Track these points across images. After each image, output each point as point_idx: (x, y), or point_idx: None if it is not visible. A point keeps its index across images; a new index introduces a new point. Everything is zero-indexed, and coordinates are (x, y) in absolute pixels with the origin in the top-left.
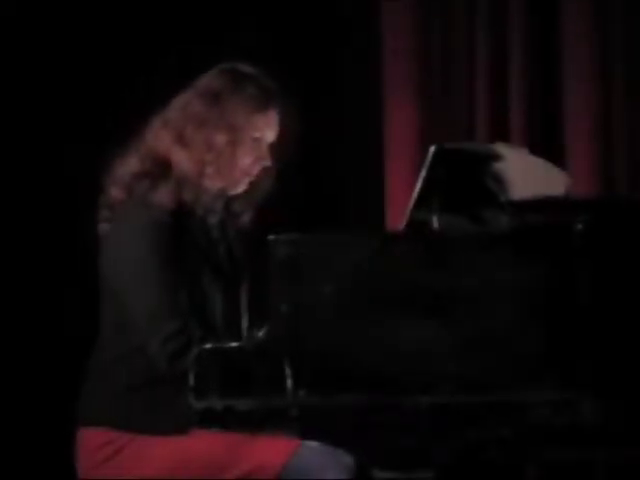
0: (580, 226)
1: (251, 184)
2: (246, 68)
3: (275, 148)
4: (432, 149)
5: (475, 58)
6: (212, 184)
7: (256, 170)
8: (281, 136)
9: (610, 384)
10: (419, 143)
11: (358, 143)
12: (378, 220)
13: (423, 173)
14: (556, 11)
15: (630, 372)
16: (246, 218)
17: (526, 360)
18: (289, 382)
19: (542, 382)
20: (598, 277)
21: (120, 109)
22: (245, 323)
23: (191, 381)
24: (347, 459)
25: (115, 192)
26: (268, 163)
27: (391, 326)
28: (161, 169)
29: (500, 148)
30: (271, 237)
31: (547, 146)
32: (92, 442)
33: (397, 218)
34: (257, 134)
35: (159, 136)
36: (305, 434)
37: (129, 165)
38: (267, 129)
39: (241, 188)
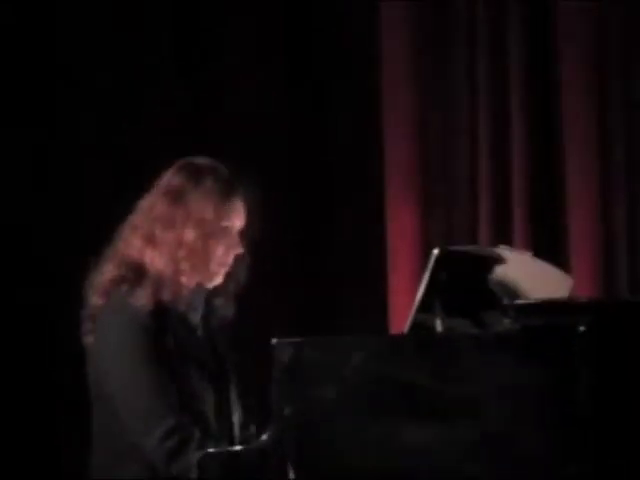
0: (582, 328)
1: (227, 275)
2: (202, 160)
3: (244, 235)
4: (435, 252)
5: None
6: (189, 280)
7: (230, 259)
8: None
9: None
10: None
11: (357, 243)
12: (380, 323)
13: (426, 276)
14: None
15: (630, 474)
16: (229, 311)
17: (528, 462)
18: None
19: None
20: (601, 379)
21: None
22: (237, 419)
23: None
24: None
25: (95, 300)
26: (240, 250)
27: (395, 429)
28: (136, 273)
29: (503, 251)
30: (275, 340)
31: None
32: None
33: (400, 322)
34: (225, 223)
35: (129, 242)
36: None
37: (105, 273)
38: (234, 217)
39: (218, 280)
